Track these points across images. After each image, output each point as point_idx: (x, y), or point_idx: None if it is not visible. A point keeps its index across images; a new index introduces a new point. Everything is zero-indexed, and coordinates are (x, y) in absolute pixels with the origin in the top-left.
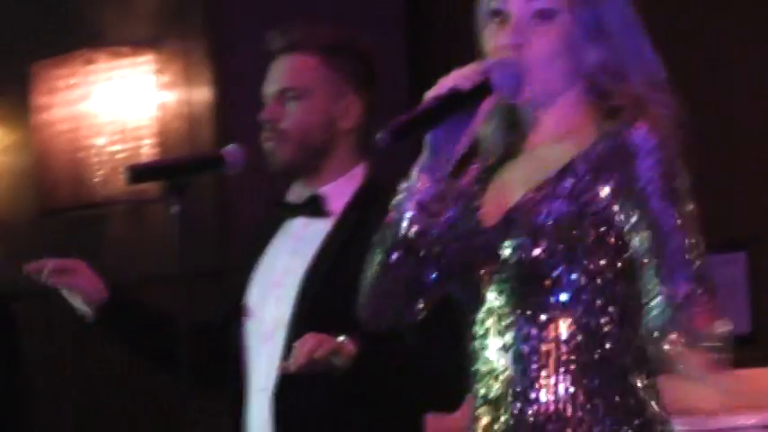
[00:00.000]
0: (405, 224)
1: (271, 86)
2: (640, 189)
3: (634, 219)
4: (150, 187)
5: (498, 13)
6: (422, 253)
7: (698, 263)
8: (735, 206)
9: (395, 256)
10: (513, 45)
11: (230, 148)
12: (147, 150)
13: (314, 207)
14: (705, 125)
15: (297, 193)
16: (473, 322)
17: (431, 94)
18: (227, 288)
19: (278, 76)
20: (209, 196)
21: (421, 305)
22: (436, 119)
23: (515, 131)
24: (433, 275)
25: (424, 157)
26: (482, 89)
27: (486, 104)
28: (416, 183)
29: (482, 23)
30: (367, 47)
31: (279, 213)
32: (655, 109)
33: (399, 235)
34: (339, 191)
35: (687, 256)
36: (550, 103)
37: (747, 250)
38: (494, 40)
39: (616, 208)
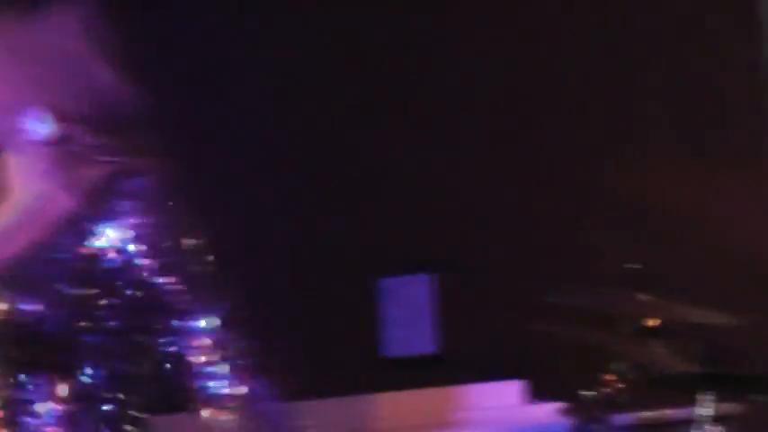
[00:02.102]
0: None
1: None
2: (135, 246)
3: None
4: None
5: None
6: None
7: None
8: (420, 228)
9: None
10: None
11: None
12: None
13: None
14: (390, 154)
15: None
16: None
17: None
18: None
19: None
20: None
21: None
22: None
23: None
24: None
25: None
26: None
27: None
28: None
29: None
30: None
31: None
32: (135, 154)
33: None
34: None
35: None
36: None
37: (433, 272)
38: None
39: (116, 257)
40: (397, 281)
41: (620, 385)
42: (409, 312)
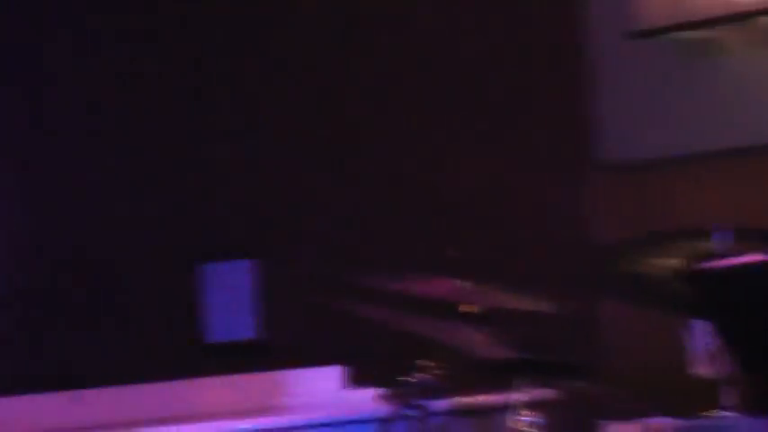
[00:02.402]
0: None
1: None
2: None
3: None
4: None
5: None
6: None
7: None
8: (242, 215)
9: None
10: None
11: None
12: None
13: None
14: (211, 144)
15: None
16: None
17: None
18: None
19: None
20: None
21: None
22: None
23: None
24: None
25: None
26: None
27: None
28: None
29: None
30: None
31: None
32: None
33: None
34: None
35: None
36: None
37: (254, 257)
38: None
39: None
40: (218, 267)
41: (437, 371)
42: (231, 298)
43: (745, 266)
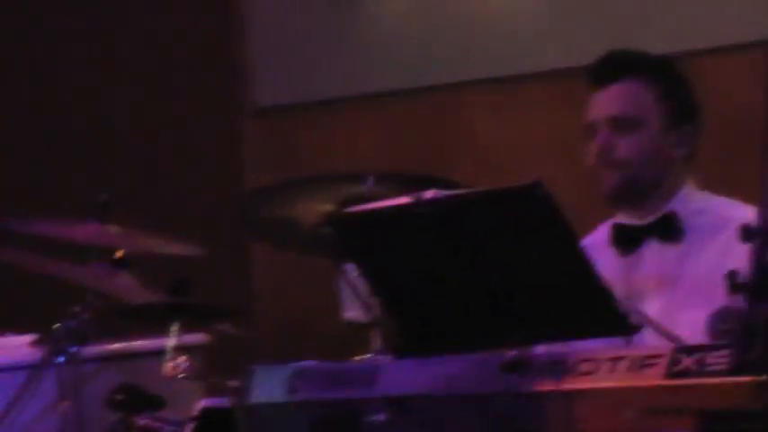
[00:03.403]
0: None
1: None
2: None
3: None
4: None
5: None
6: None
7: None
8: None
9: None
10: None
11: None
12: None
13: None
14: None
15: None
16: None
17: None
18: None
19: None
20: None
21: None
22: None
23: None
24: None
25: None
26: None
27: None
28: None
29: None
30: None
31: None
32: None
33: None
34: None
35: None
36: None
37: None
38: None
39: None
40: None
41: (87, 317)
42: None
43: (385, 210)
